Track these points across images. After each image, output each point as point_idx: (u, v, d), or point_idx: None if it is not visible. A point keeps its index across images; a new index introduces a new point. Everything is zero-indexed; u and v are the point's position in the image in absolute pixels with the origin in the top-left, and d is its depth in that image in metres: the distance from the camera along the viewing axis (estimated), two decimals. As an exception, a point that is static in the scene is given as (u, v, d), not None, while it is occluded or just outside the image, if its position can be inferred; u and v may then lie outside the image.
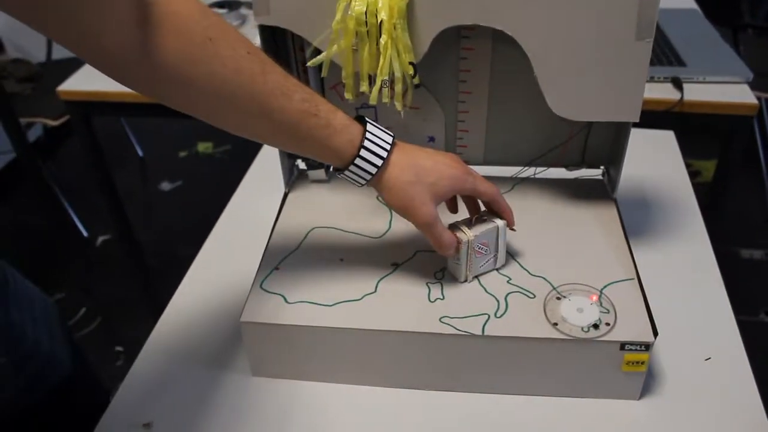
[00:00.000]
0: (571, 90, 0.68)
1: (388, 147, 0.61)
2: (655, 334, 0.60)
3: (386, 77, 0.65)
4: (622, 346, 0.60)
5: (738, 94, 1.17)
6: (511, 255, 0.70)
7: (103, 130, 1.78)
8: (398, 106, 0.67)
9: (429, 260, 0.70)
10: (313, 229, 0.76)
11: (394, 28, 0.63)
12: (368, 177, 0.60)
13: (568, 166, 0.85)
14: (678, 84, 1.19)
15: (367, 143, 0.59)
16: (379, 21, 0.63)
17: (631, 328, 0.61)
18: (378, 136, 0.60)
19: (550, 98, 0.69)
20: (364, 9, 0.63)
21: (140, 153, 2.55)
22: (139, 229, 2.15)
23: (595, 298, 0.64)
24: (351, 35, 0.64)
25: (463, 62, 0.77)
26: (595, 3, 0.64)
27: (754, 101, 1.14)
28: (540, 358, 0.62)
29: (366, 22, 0.63)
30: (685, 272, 0.79)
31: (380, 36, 0.64)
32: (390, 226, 0.76)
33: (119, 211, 1.95)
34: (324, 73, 0.66)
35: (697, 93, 1.18)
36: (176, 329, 0.75)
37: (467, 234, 0.65)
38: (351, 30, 0.64)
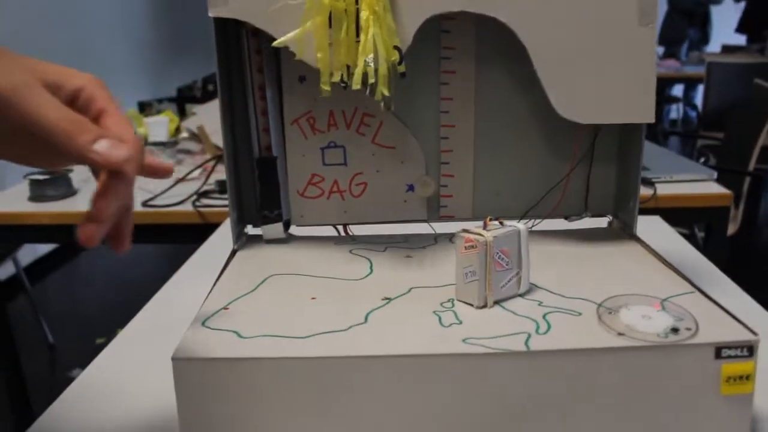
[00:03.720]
0: (574, 85, 0.59)
1: None
2: (755, 333, 0.44)
3: (370, 55, 0.54)
4: (718, 351, 0.43)
5: (709, 188, 1.13)
6: (535, 285, 0.55)
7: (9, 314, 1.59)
8: (385, 91, 0.55)
9: (431, 294, 0.54)
10: (272, 276, 0.59)
11: (377, 5, 0.54)
12: None
13: (569, 216, 0.73)
14: (648, 182, 1.14)
15: None
16: (357, -4, 0.54)
17: (720, 330, 0.45)
18: None
19: (554, 97, 0.59)
20: (340, -16, 0.54)
21: (51, 339, 2.25)
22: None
23: (658, 306, 0.48)
24: (326, 11, 0.54)
25: (444, 88, 0.68)
26: (594, -14, 0.58)
27: (728, 191, 1.09)
28: (606, 381, 0.44)
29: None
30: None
31: (359, 15, 0.54)
32: (371, 271, 0.60)
33: (20, 402, 1.66)
34: (299, 54, 0.55)
35: (669, 189, 1.13)
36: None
37: (484, 235, 0.50)
38: (326, 5, 0.54)
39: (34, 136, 0.37)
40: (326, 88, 0.56)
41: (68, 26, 3.00)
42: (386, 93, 0.55)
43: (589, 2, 0.58)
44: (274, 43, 0.56)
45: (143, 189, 1.31)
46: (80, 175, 1.43)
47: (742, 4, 4.54)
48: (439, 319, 0.49)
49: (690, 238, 1.54)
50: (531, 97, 0.67)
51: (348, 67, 0.56)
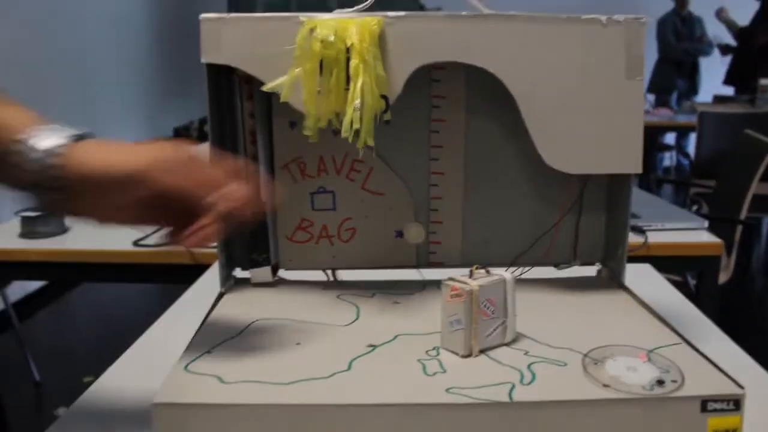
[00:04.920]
0: (562, 136, 0.60)
1: (66, 134, 0.47)
2: (741, 387, 0.44)
3: (359, 100, 0.54)
4: (704, 404, 0.43)
5: (700, 236, 1.13)
6: (522, 335, 0.54)
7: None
8: (369, 140, 0.55)
9: (417, 342, 0.53)
10: (257, 321, 0.58)
11: (367, 54, 0.55)
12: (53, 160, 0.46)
13: (558, 265, 0.73)
14: (639, 230, 1.15)
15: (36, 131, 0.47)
16: (348, 45, 0.55)
17: (706, 383, 0.45)
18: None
19: (542, 147, 0.60)
20: (331, 34, 0.55)
21: (37, 376, 2.22)
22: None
23: (644, 357, 0.48)
24: (316, 58, 0.55)
25: (434, 136, 0.68)
26: (581, 40, 0.59)
27: (719, 240, 1.10)
28: (593, 435, 0.43)
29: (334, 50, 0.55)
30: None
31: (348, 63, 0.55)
32: (358, 317, 0.60)
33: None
34: (284, 97, 0.56)
35: (660, 237, 1.13)
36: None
37: (470, 284, 0.50)
38: (316, 53, 0.55)
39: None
40: (310, 133, 0.57)
41: (67, 66, 3.04)
42: (370, 143, 0.55)
43: (578, 55, 0.59)
44: (264, 88, 0.57)
45: (136, 228, 1.31)
46: (73, 213, 1.42)
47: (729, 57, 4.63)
48: (424, 367, 0.48)
49: (683, 285, 1.54)
50: (520, 146, 0.67)
51: (338, 114, 0.57)
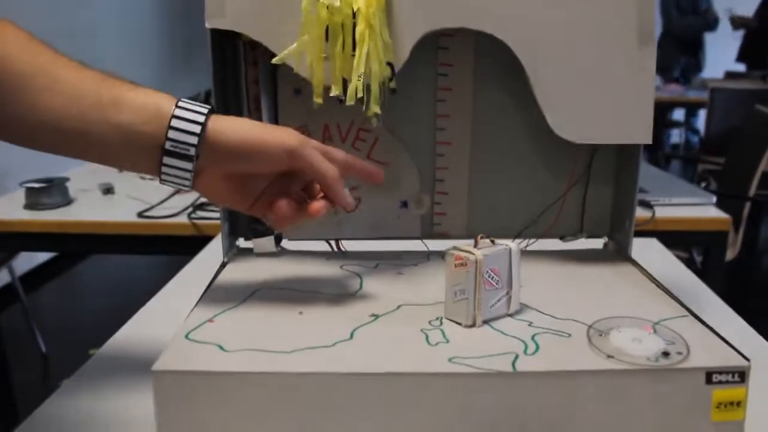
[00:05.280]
0: (571, 105, 0.59)
1: (204, 111, 0.49)
2: (746, 359, 0.43)
3: (363, 70, 0.53)
4: (709, 376, 0.42)
5: (708, 212, 1.12)
6: (526, 306, 0.54)
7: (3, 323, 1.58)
8: (376, 108, 0.54)
9: (420, 312, 0.53)
10: (259, 290, 0.58)
11: (373, 19, 0.54)
12: (193, 142, 0.47)
13: (564, 237, 0.72)
14: (647, 204, 1.13)
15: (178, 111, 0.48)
16: (354, 9, 0.54)
17: (712, 355, 0.44)
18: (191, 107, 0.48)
19: (550, 116, 0.59)
20: (337, 0, 0.54)
21: (44, 349, 2.24)
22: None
23: (650, 329, 0.47)
24: (322, 24, 0.54)
25: (440, 105, 0.67)
26: (592, 5, 0.58)
27: (726, 216, 1.09)
28: (593, 405, 0.43)
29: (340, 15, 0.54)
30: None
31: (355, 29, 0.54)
32: (361, 287, 0.59)
33: (7, 411, 1.65)
34: (297, 68, 0.55)
35: (668, 212, 1.12)
36: None
37: (475, 253, 0.49)
38: (322, 19, 0.54)
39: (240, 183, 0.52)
40: (318, 100, 0.56)
41: (74, 37, 3.01)
42: (377, 111, 0.54)
43: (589, 22, 0.58)
44: (274, 60, 0.55)
45: (140, 200, 1.31)
46: (77, 185, 1.42)
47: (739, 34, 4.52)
48: (426, 337, 0.48)
49: (689, 262, 1.53)
50: (528, 116, 0.66)
51: (345, 81, 0.56)
